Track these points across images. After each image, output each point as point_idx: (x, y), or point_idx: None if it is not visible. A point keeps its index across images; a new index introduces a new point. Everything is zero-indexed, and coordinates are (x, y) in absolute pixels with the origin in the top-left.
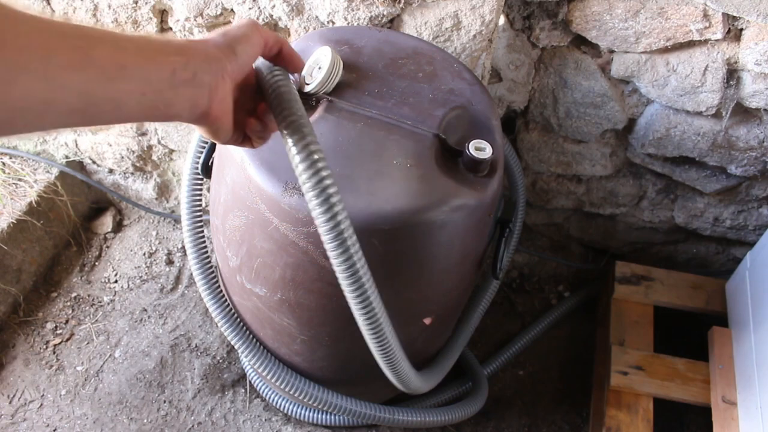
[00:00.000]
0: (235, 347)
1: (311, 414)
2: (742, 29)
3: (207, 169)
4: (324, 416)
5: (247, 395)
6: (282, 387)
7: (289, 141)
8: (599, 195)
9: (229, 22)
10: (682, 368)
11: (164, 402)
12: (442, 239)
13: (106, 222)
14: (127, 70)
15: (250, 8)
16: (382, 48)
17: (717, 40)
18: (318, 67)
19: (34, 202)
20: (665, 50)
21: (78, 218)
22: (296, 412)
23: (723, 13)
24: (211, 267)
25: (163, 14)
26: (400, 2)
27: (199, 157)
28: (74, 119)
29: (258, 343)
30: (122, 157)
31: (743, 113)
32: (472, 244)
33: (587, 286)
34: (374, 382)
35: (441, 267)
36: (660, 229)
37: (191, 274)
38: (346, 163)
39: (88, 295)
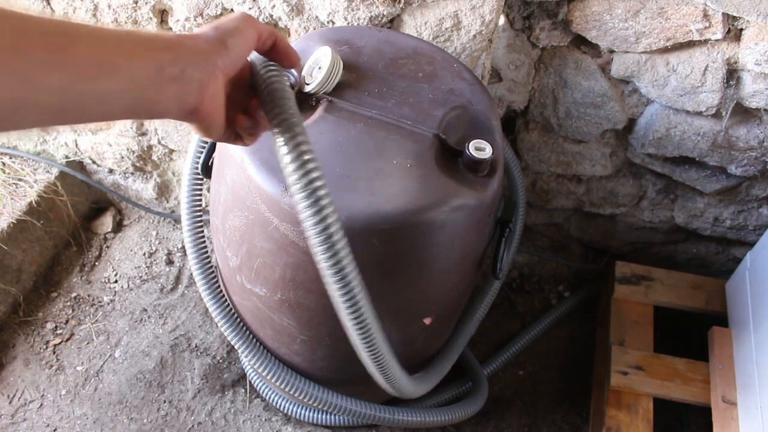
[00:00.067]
0: (235, 347)
1: (311, 414)
2: (742, 29)
3: (207, 169)
4: (324, 416)
5: (247, 395)
6: (282, 387)
7: (280, 140)
8: (599, 195)
9: None
10: (682, 368)
11: (164, 402)
12: (442, 239)
13: (106, 222)
14: (108, 67)
15: (249, 8)
16: (382, 48)
17: (717, 40)
18: (318, 67)
19: (34, 202)
20: (665, 50)
21: (78, 218)
22: (296, 412)
23: (723, 13)
24: (211, 267)
25: (163, 14)
26: (400, 2)
27: (199, 157)
28: (53, 118)
29: (258, 343)
30: (122, 157)
31: (743, 113)
32: (472, 244)
33: (587, 286)
34: (374, 382)
35: (441, 267)
36: (660, 229)
37: (191, 274)
38: (346, 163)
39: (88, 295)
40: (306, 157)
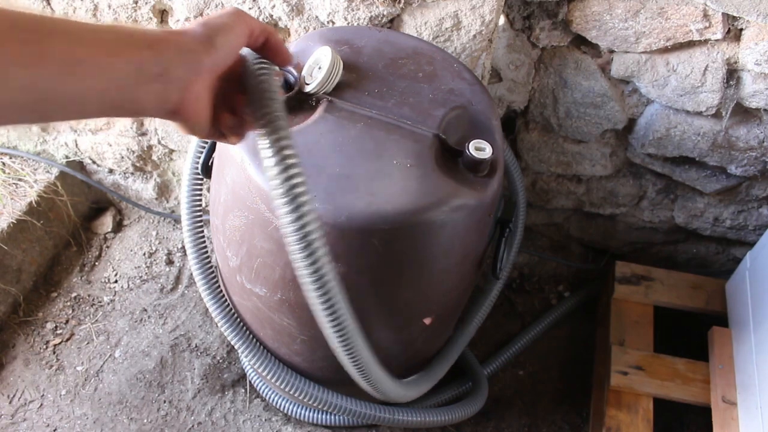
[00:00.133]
0: (235, 347)
1: (311, 414)
2: (742, 29)
3: (207, 169)
4: (324, 416)
5: (247, 395)
6: (282, 387)
7: (264, 141)
8: (599, 195)
9: None
10: (682, 368)
11: (164, 402)
12: (442, 239)
13: (106, 222)
14: (84, 65)
15: (250, 8)
16: (382, 48)
17: (717, 40)
18: (318, 67)
19: (34, 202)
20: (665, 50)
21: (78, 218)
22: (296, 412)
23: (723, 13)
24: (211, 267)
25: (163, 14)
26: (400, 2)
27: (199, 157)
28: (25, 116)
29: (258, 343)
30: (122, 157)
31: (743, 113)
32: (472, 244)
33: (587, 286)
34: None
35: (441, 267)
36: (660, 229)
37: (191, 274)
38: (346, 163)
39: (88, 295)
40: (289, 161)
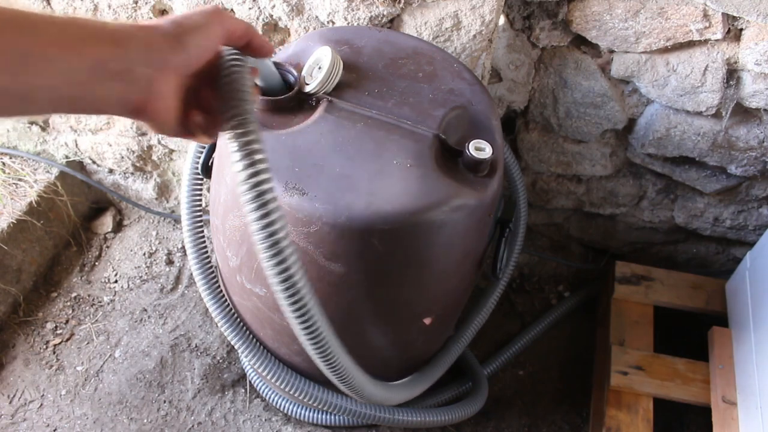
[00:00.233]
0: (235, 347)
1: (311, 414)
2: (742, 29)
3: (207, 169)
4: (324, 416)
5: (247, 395)
6: (282, 387)
7: (232, 142)
8: (599, 195)
9: None
10: (682, 368)
11: (164, 402)
12: (442, 239)
13: (106, 222)
14: (34, 59)
15: (250, 8)
16: (382, 48)
17: (717, 40)
18: (318, 67)
19: (34, 202)
20: (665, 50)
21: (78, 218)
22: (296, 412)
23: (723, 13)
24: (211, 267)
25: (163, 14)
26: (400, 2)
27: (199, 157)
28: None
29: (258, 343)
30: (122, 157)
31: (743, 113)
32: (472, 244)
33: (587, 286)
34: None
35: (441, 267)
36: (660, 229)
37: (191, 274)
38: (346, 163)
39: (88, 295)
40: (258, 165)
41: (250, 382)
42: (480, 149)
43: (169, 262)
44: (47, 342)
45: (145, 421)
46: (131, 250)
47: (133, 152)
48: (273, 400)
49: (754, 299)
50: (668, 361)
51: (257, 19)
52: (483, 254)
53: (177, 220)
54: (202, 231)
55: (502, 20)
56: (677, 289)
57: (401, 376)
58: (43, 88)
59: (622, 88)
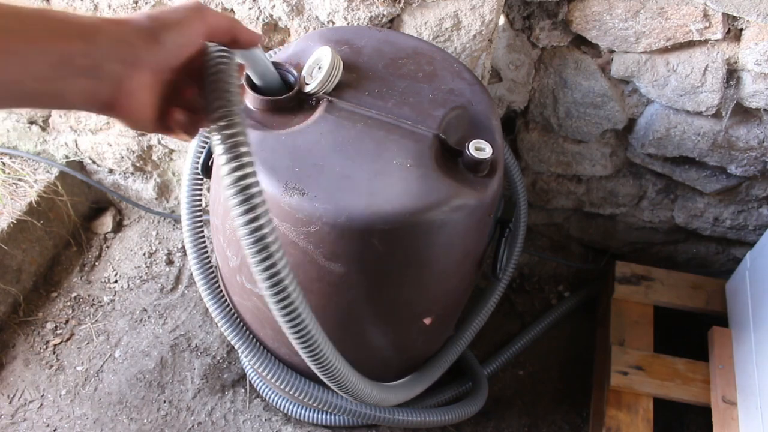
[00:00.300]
0: (235, 347)
1: (311, 414)
2: (742, 29)
3: (207, 169)
4: (324, 416)
5: (247, 395)
6: (282, 387)
7: (216, 138)
8: (599, 195)
9: None
10: (682, 368)
11: (164, 402)
12: (442, 239)
13: (106, 222)
14: None
15: (250, 8)
16: (382, 48)
17: (717, 40)
18: (318, 67)
19: (34, 202)
20: (665, 50)
21: (78, 218)
22: (296, 412)
23: (723, 13)
24: (211, 267)
25: None
26: (400, 2)
27: (199, 157)
28: None
29: (258, 343)
30: (122, 157)
31: (743, 113)
32: (472, 244)
33: (587, 286)
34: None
35: (441, 267)
36: (660, 229)
37: (191, 274)
38: (346, 163)
39: (88, 295)
40: (243, 159)
41: (250, 382)
42: (480, 149)
43: (169, 262)
44: (47, 342)
45: (145, 421)
46: (131, 250)
47: (133, 152)
48: (273, 400)
49: (754, 299)
50: (668, 361)
51: (257, 19)
52: (483, 254)
53: (177, 220)
54: (202, 231)
55: (502, 20)
56: (677, 289)
57: (401, 376)
58: (5, 82)
59: (622, 88)
